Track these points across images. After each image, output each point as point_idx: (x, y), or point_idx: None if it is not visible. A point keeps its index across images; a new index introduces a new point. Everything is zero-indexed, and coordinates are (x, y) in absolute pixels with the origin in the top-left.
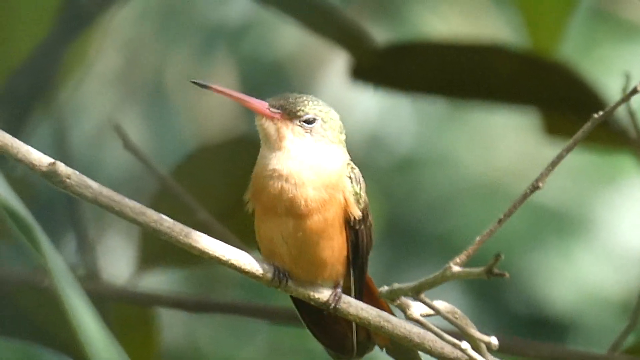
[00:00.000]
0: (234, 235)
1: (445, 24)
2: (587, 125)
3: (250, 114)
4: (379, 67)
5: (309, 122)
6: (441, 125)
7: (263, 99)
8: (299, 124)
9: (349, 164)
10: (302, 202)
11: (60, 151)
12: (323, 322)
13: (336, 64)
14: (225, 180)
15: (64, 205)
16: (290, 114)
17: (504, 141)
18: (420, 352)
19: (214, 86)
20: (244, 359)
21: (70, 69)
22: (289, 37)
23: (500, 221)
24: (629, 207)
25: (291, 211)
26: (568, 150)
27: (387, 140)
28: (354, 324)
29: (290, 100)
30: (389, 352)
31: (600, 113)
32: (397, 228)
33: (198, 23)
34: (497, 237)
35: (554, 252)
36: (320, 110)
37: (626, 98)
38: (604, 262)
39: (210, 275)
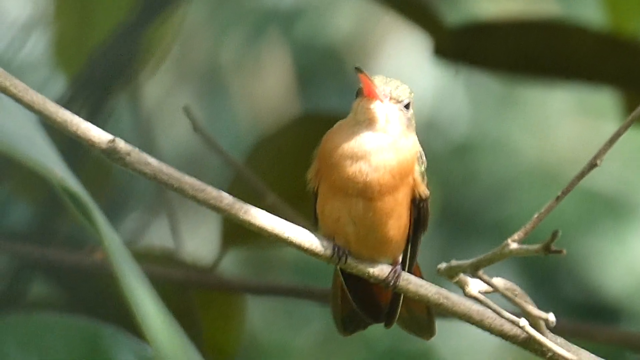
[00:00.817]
0: (303, 218)
1: (497, 5)
2: None
3: (306, 95)
4: (458, 47)
5: (407, 107)
6: (497, 110)
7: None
8: (401, 109)
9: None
10: (377, 187)
11: (140, 135)
12: (364, 295)
13: (389, 49)
14: (293, 164)
15: (153, 191)
16: (394, 98)
17: (560, 126)
18: (468, 328)
19: (364, 71)
20: (299, 346)
21: (150, 52)
22: (342, 21)
23: (558, 198)
24: None
25: (364, 193)
26: (626, 127)
27: (442, 126)
28: (401, 298)
29: (391, 83)
30: (400, 323)
31: None
32: (453, 215)
33: (250, 7)
34: (551, 222)
35: (608, 237)
36: (410, 94)
37: None
38: None
39: (265, 259)
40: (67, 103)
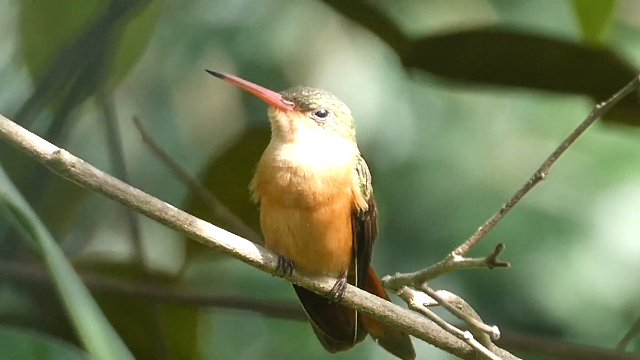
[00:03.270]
0: (252, 231)
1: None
2: (589, 116)
3: (249, 109)
4: (419, 57)
5: (321, 115)
6: (441, 129)
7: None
8: (311, 116)
9: (357, 156)
10: (311, 195)
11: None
12: (324, 310)
13: (332, 65)
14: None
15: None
16: (303, 107)
17: (505, 144)
18: (415, 342)
19: (228, 75)
20: None
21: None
22: (285, 37)
23: (502, 211)
24: (629, 213)
25: (299, 203)
26: (570, 141)
27: (386, 143)
28: (356, 313)
29: (303, 92)
30: (381, 343)
31: (603, 103)
32: (397, 232)
33: (191, 22)
34: (497, 240)
35: (552, 256)
36: (332, 104)
37: (634, 86)
38: (603, 267)
39: (209, 274)
40: (29, 108)
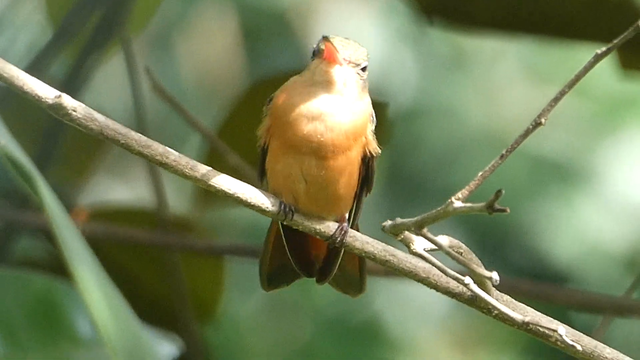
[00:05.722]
0: None
1: None
2: (590, 62)
3: (250, 57)
4: (442, 6)
5: (364, 69)
6: (444, 75)
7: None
8: (358, 72)
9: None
10: (331, 146)
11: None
12: (297, 242)
13: (336, 11)
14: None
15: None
16: (352, 62)
17: (508, 91)
18: (416, 286)
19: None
20: (245, 313)
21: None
22: None
23: (502, 156)
24: (631, 159)
25: (317, 152)
26: (570, 86)
27: (389, 91)
28: (339, 256)
29: (350, 47)
30: (331, 283)
31: (603, 49)
32: (400, 179)
33: None
34: (499, 188)
35: (556, 203)
36: (366, 57)
37: (634, 29)
38: (605, 214)
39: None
40: (47, 53)
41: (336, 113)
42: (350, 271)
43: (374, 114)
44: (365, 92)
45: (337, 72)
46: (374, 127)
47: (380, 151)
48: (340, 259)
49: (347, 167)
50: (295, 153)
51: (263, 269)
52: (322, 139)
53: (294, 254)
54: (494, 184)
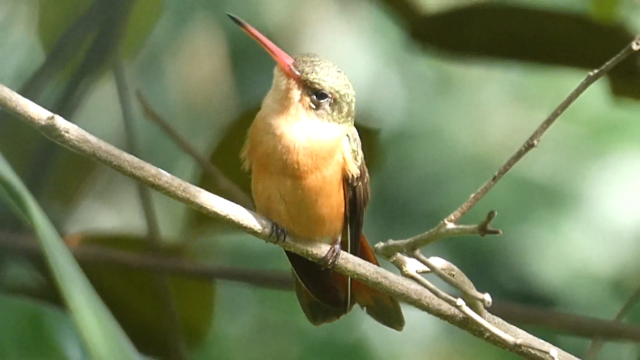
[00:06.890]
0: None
1: None
2: (582, 84)
3: (240, 85)
4: (434, 33)
5: (320, 96)
6: (431, 98)
7: (289, 55)
8: (310, 94)
9: (346, 133)
10: (295, 165)
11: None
12: (316, 276)
13: (324, 34)
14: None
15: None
16: (307, 82)
17: (495, 115)
18: (408, 309)
19: (248, 26)
20: (234, 334)
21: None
22: (275, 2)
23: (494, 178)
24: (618, 183)
25: (285, 171)
26: (562, 108)
27: (377, 113)
28: (349, 280)
29: (315, 67)
30: (370, 312)
31: (595, 71)
32: (388, 201)
33: None
34: (488, 210)
35: (543, 226)
36: (336, 90)
37: (626, 52)
38: (592, 238)
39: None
40: (40, 76)
41: (290, 133)
42: (386, 303)
43: (355, 135)
44: (325, 122)
45: (282, 82)
46: (356, 147)
47: (359, 172)
48: (349, 284)
49: (325, 187)
50: (269, 173)
51: (303, 303)
52: (284, 157)
53: (314, 286)
54: (482, 206)
